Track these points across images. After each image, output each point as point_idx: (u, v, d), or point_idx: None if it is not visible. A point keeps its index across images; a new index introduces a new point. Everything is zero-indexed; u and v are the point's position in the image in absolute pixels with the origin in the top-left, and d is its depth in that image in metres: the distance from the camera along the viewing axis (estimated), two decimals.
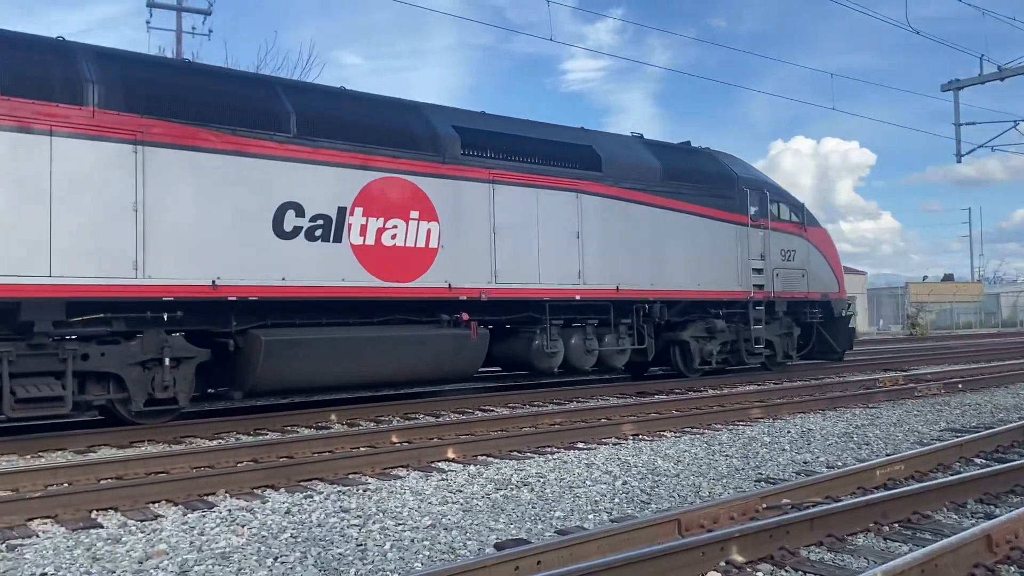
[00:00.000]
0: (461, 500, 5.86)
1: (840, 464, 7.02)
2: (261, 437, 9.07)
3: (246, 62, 33.24)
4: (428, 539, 4.86)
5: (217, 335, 9.67)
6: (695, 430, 9.12)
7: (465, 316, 11.25)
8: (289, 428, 9.74)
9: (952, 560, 3.88)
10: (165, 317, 9.11)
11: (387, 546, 4.73)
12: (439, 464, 7.30)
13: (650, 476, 6.65)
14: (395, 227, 10.73)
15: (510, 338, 12.48)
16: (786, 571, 4.17)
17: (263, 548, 4.71)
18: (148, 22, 23.85)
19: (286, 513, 5.55)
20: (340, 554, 4.59)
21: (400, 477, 6.74)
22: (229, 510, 5.64)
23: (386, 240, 10.64)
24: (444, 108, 12.11)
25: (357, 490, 6.24)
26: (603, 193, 13.00)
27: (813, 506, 5.02)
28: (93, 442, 8.55)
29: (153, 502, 5.93)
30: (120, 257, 8.68)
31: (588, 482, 6.42)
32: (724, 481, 6.47)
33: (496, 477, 6.62)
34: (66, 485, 6.41)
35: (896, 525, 4.89)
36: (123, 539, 4.94)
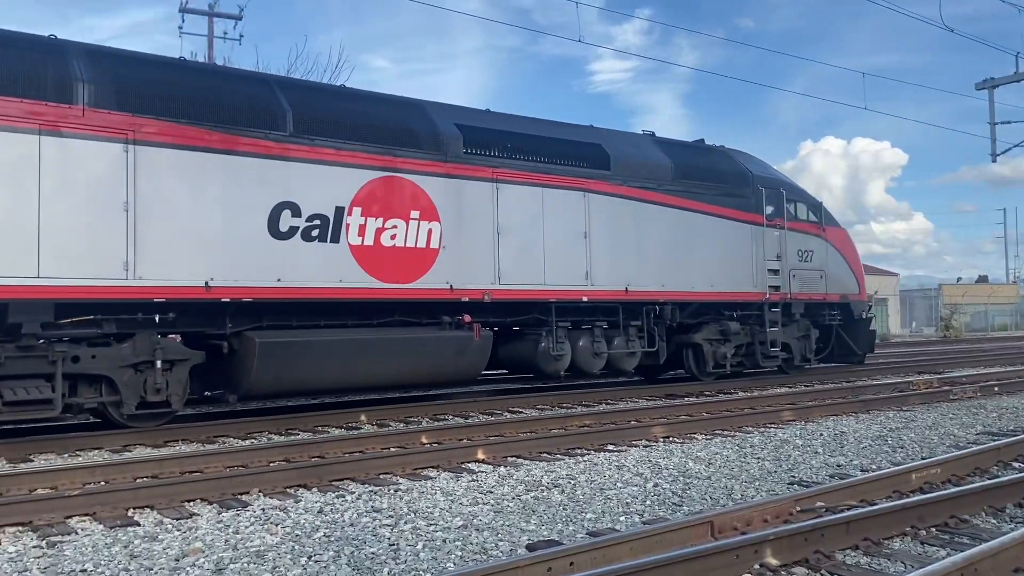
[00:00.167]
0: (492, 501, 5.87)
1: (875, 467, 6.94)
2: (292, 437, 9.15)
3: (277, 66, 33.52)
4: (460, 539, 4.88)
5: (212, 337, 9.56)
6: (726, 432, 9.06)
7: (467, 318, 11.06)
8: (320, 428, 9.82)
9: (992, 564, 3.82)
10: (157, 319, 8.96)
11: (419, 546, 4.75)
12: (469, 465, 7.31)
13: (681, 478, 6.61)
14: (395, 227, 10.54)
15: (516, 340, 12.33)
16: (821, 575, 4.14)
17: (297, 547, 4.76)
18: (180, 27, 24.22)
19: (319, 512, 5.59)
20: (373, 553, 4.61)
21: (430, 478, 6.77)
22: (263, 509, 5.70)
23: (385, 240, 10.45)
24: (447, 106, 11.91)
25: (388, 490, 6.27)
26: (612, 192, 12.74)
27: (848, 509, 4.97)
28: (128, 441, 8.67)
29: (188, 501, 6.00)
30: (110, 258, 8.56)
31: (619, 484, 6.41)
32: (756, 484, 6.42)
33: (526, 478, 6.62)
34: (103, 483, 6.50)
35: (933, 529, 4.83)
36: (160, 537, 5.01)
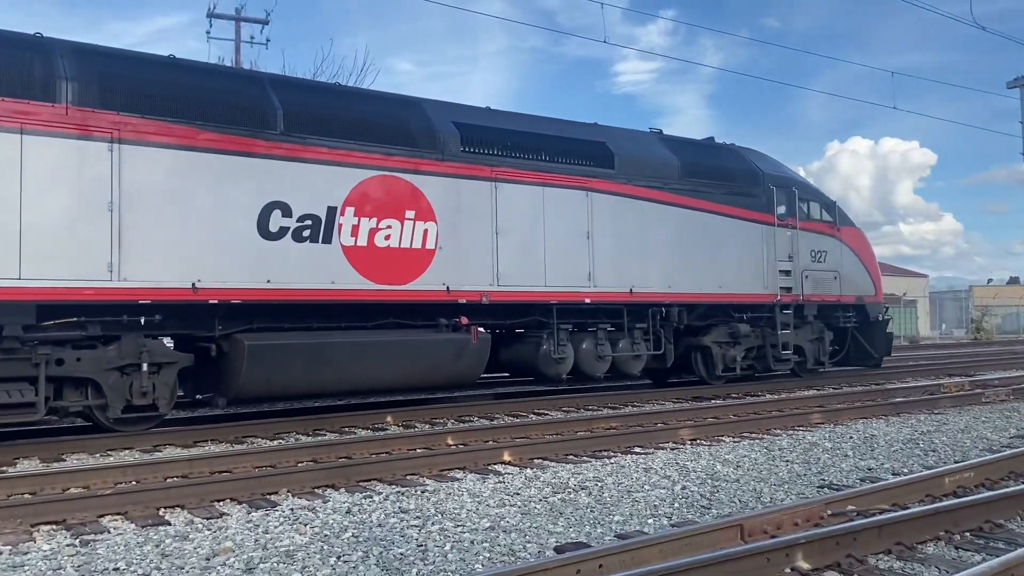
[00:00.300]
0: (519, 503, 5.86)
1: (906, 471, 6.85)
2: (320, 438, 9.20)
3: (303, 69, 33.84)
4: (487, 541, 4.88)
5: (202, 339, 9.41)
6: (754, 435, 8.99)
7: (464, 320, 10.83)
8: (347, 429, 9.87)
9: None
10: (142, 321, 8.78)
11: (447, 547, 4.76)
12: (495, 467, 7.31)
13: (710, 481, 6.57)
14: (389, 227, 10.32)
15: (517, 343, 12.12)
16: None
17: (326, 547, 4.78)
18: (208, 32, 24.47)
19: (347, 513, 5.62)
20: (401, 554, 4.63)
21: (457, 479, 6.78)
22: (292, 509, 5.74)
23: (379, 241, 10.24)
24: (445, 104, 11.69)
25: (415, 491, 6.29)
26: (616, 191, 12.44)
27: (880, 513, 4.91)
28: (159, 442, 8.76)
29: (218, 500, 6.05)
30: (94, 259, 8.40)
31: (646, 487, 6.37)
32: (786, 487, 6.37)
33: (553, 480, 6.61)
34: (135, 483, 6.58)
35: (968, 534, 4.76)
36: (190, 536, 5.06)
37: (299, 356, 9.50)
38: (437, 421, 10.53)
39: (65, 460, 7.93)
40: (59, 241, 8.25)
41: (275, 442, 8.95)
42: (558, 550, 4.60)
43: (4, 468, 7.53)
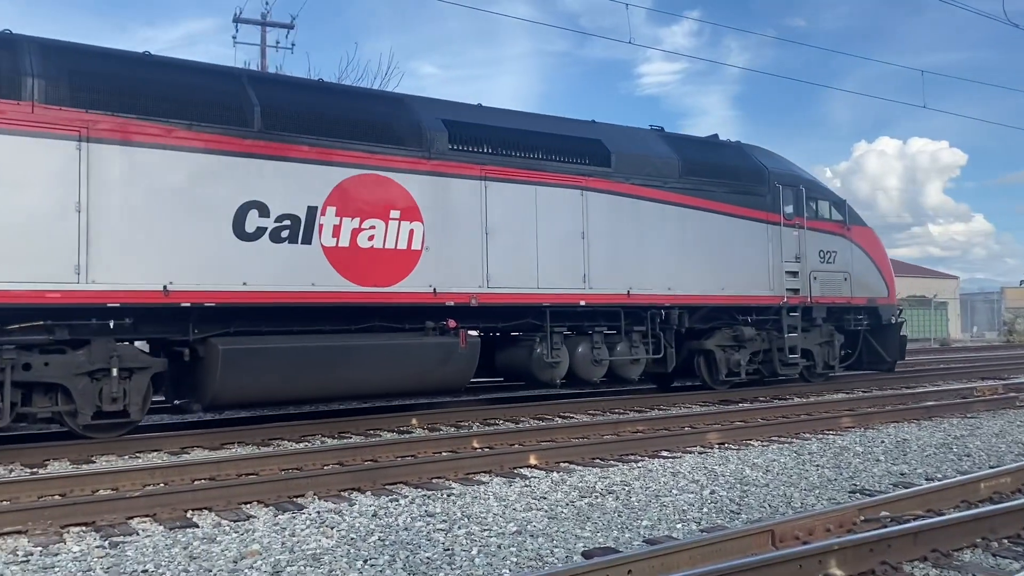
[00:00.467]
0: (546, 507, 5.82)
1: (940, 476, 6.73)
2: (345, 440, 9.21)
3: (328, 73, 34.04)
4: (515, 545, 4.84)
5: (177, 344, 9.17)
6: (783, 439, 8.87)
7: (452, 323, 10.51)
8: (372, 431, 9.87)
9: None
10: (111, 325, 8.54)
11: (474, 551, 4.72)
12: (521, 470, 7.27)
13: (738, 485, 6.48)
14: (373, 228, 9.99)
15: (510, 347, 11.87)
16: None
17: (352, 550, 4.77)
18: (234, 37, 24.70)
19: (373, 516, 5.60)
20: (428, 558, 4.60)
21: (483, 482, 6.75)
22: (318, 512, 5.73)
23: (362, 242, 9.90)
24: (434, 100, 11.43)
25: (441, 494, 6.27)
26: (612, 190, 12.04)
27: (914, 519, 4.82)
28: (186, 444, 8.82)
29: (245, 503, 6.07)
30: (61, 261, 8.16)
31: (674, 491, 6.31)
32: (816, 492, 6.27)
33: (580, 484, 6.56)
34: (163, 485, 6.62)
35: (1005, 541, 4.66)
36: (218, 539, 5.07)
37: (277, 361, 9.22)
38: (462, 424, 10.51)
39: (95, 462, 8.00)
40: (23, 242, 8.03)
41: (301, 444, 8.98)
42: (586, 555, 4.56)
43: (35, 470, 7.62)
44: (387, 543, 4.92)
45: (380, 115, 10.46)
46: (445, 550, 4.76)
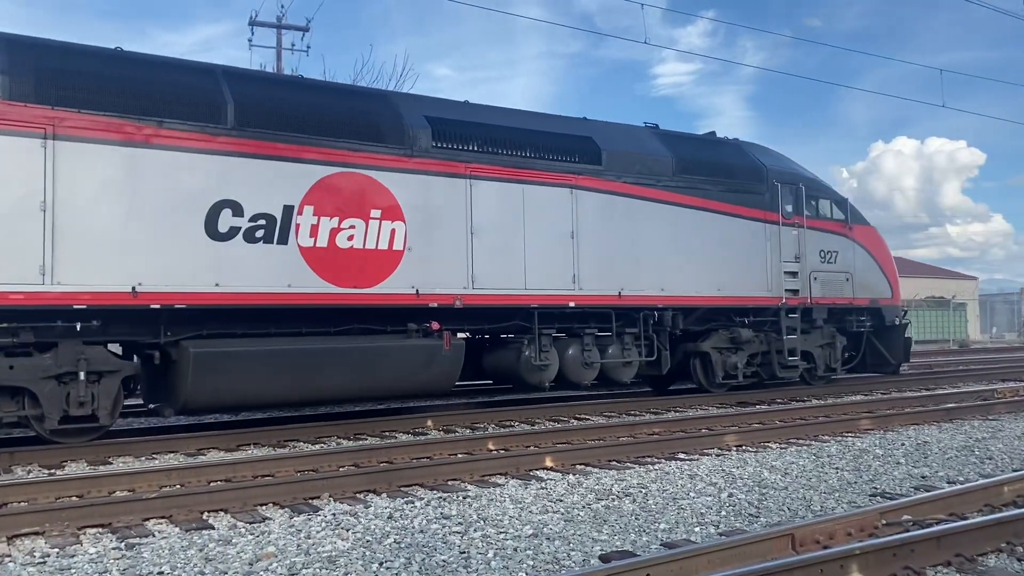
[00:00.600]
0: (562, 509, 5.77)
1: (962, 479, 6.63)
2: (361, 442, 9.20)
3: (343, 75, 34.16)
4: (531, 548, 4.80)
5: (149, 346, 8.95)
6: (801, 441, 8.79)
7: (435, 325, 10.26)
8: (388, 433, 9.86)
9: None
10: (78, 327, 8.32)
11: (490, 554, 4.69)
12: (537, 472, 7.23)
13: (757, 488, 6.42)
14: (352, 227, 9.73)
15: (499, 349, 11.64)
16: None
17: (368, 553, 4.74)
18: (250, 40, 24.80)
19: (388, 518, 5.58)
20: (444, 561, 4.57)
21: (499, 485, 6.71)
22: (334, 514, 5.72)
23: (341, 242, 9.66)
24: (418, 97, 11.27)
25: (457, 497, 6.24)
26: (603, 189, 11.75)
27: (937, 523, 4.74)
28: (202, 445, 8.83)
29: (261, 504, 6.06)
30: (25, 262, 7.97)
31: (692, 494, 6.25)
32: (836, 495, 6.20)
33: (596, 487, 6.51)
34: (179, 487, 6.63)
35: None
36: (233, 540, 5.06)
37: (252, 364, 9.01)
38: (478, 426, 10.48)
39: (112, 463, 8.03)
40: None
41: (316, 446, 8.98)
42: (603, 559, 4.51)
43: (53, 471, 7.65)
44: (403, 546, 4.90)
45: (360, 112, 10.21)
46: (461, 553, 4.73)
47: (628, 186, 12.07)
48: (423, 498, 6.22)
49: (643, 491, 6.33)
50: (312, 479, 6.58)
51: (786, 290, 13.67)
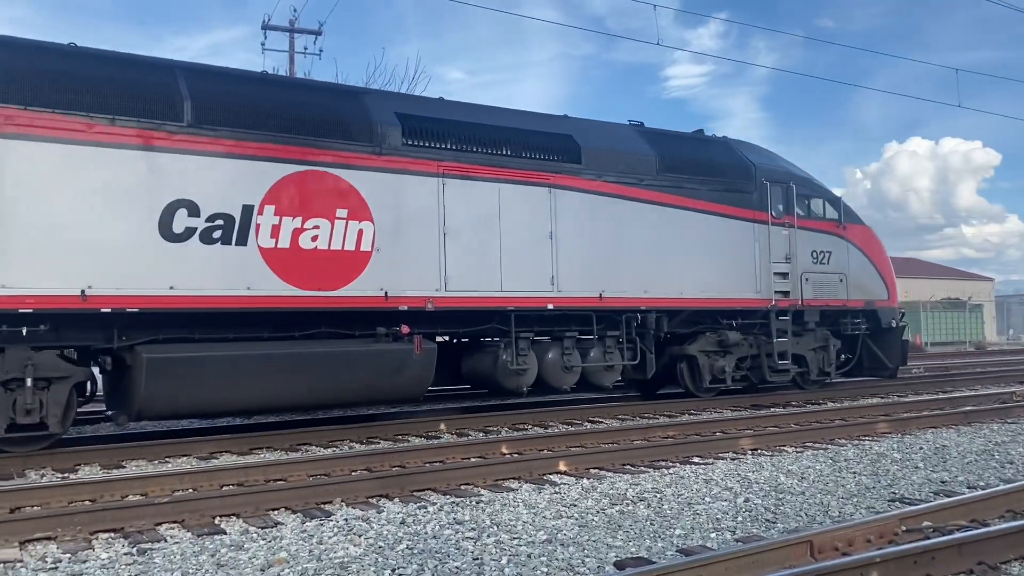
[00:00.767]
0: (576, 515, 5.72)
1: (983, 484, 6.53)
2: (373, 446, 9.17)
3: (355, 78, 34.20)
4: (545, 555, 4.75)
5: (102, 352, 8.70)
6: (818, 445, 8.69)
7: (406, 329, 9.89)
8: (400, 437, 9.83)
9: None
10: (24, 332, 8.01)
11: (503, 560, 4.64)
12: (551, 477, 7.18)
13: (773, 493, 6.34)
14: (316, 228, 9.42)
15: (477, 353, 11.35)
16: None
17: (380, 559, 4.70)
18: (263, 44, 24.85)
19: (401, 523, 5.54)
20: (457, 567, 4.52)
21: (512, 489, 6.65)
22: (346, 519, 5.68)
23: (304, 243, 9.35)
24: (390, 94, 10.74)
25: (470, 501, 6.19)
26: (583, 188, 11.42)
27: (958, 530, 4.66)
28: (214, 449, 8.82)
29: (273, 509, 6.03)
30: None
31: (707, 499, 6.18)
32: (854, 500, 6.11)
33: (611, 492, 6.45)
34: (192, 491, 6.61)
35: None
36: (245, 546, 5.03)
37: (209, 370, 8.70)
38: (491, 429, 10.43)
39: (125, 467, 8.03)
40: None
41: (329, 450, 8.96)
42: (618, 565, 4.45)
43: (66, 475, 7.65)
44: (415, 551, 4.85)
45: (326, 108, 9.93)
46: (474, 559, 4.68)
47: (609, 185, 11.75)
48: (436, 503, 6.17)
49: (658, 496, 6.26)
50: (324, 483, 6.54)
51: (776, 292, 13.30)
